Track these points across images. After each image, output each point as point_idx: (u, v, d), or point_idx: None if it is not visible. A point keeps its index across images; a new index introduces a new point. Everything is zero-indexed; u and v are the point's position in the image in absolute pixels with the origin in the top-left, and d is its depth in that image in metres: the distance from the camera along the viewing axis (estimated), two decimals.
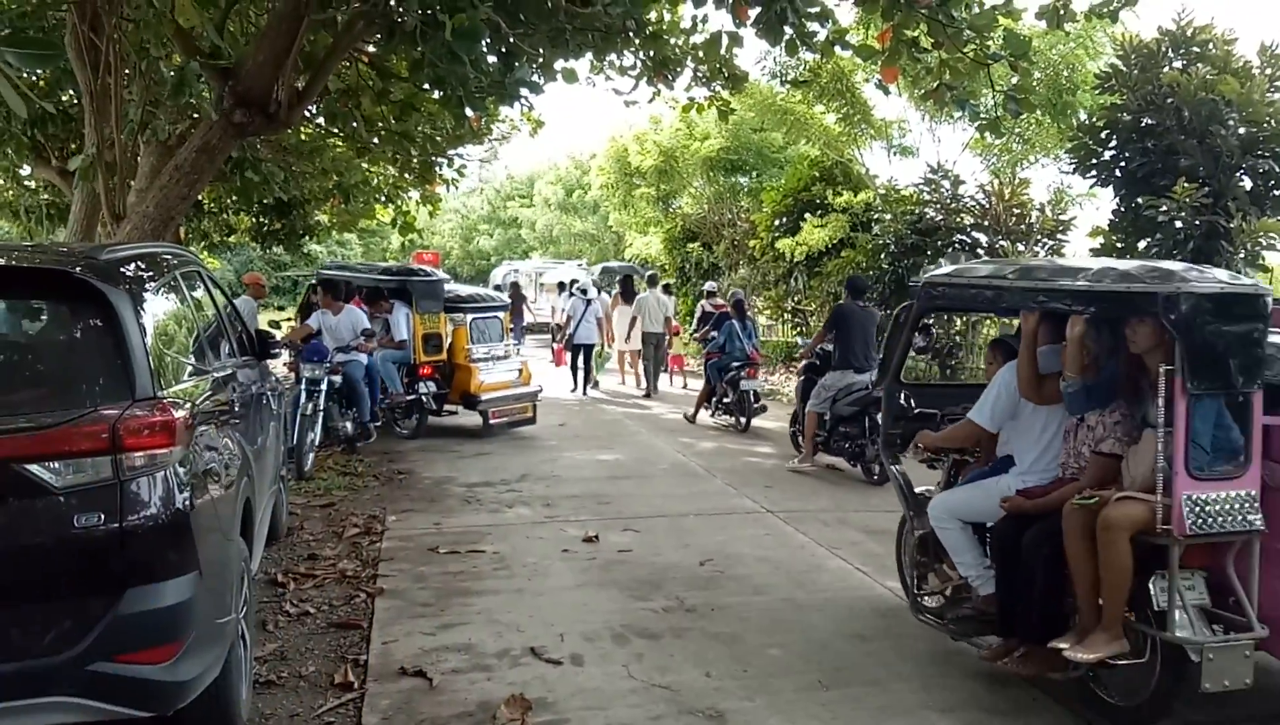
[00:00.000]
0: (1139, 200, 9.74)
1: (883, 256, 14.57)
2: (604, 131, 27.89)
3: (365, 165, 13.79)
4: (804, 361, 10.17)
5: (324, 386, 8.84)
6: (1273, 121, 9.64)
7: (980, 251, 14.14)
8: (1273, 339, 3.88)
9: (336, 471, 8.74)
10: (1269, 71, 9.94)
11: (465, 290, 12.27)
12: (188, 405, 3.39)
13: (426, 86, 9.06)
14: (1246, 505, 3.70)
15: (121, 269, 3.51)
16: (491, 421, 10.74)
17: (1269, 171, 9.70)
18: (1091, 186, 11.53)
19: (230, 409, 4.20)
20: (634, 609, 5.33)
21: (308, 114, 12.12)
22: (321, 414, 8.80)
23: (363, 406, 9.45)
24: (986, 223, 14.00)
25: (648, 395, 15.38)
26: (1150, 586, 3.73)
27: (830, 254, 16.40)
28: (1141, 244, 10.22)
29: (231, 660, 3.56)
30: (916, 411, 5.42)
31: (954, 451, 5.06)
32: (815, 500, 8.00)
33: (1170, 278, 3.70)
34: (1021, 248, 13.79)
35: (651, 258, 25.26)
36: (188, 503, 3.17)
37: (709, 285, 16.59)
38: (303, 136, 12.94)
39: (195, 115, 9.15)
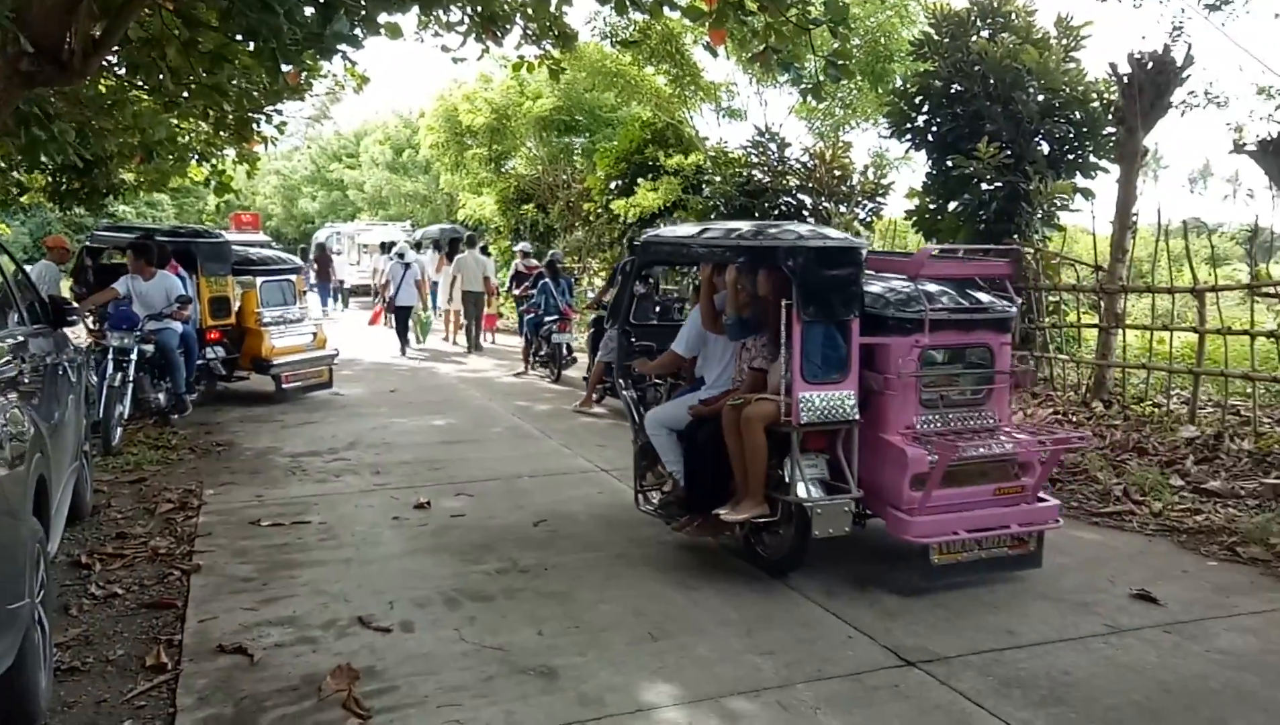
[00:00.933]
0: (949, 162, 10.25)
1: (712, 218, 14.83)
2: (433, 89, 27.15)
3: (175, 121, 12.95)
4: (593, 315, 10.73)
5: (134, 356, 8.32)
6: (1068, 89, 10.30)
7: (805, 212, 14.61)
8: (871, 282, 5.29)
9: (148, 445, 8.26)
10: (1064, 42, 10.61)
11: (256, 252, 11.80)
12: None
13: (239, 38, 8.57)
14: (847, 403, 4.98)
15: None
16: (285, 386, 10.52)
17: (1064, 136, 10.37)
18: (907, 150, 12.09)
19: (17, 380, 3.89)
20: (466, 573, 5.29)
21: (107, 65, 11.29)
22: (131, 385, 8.28)
23: (177, 377, 8.96)
24: (811, 185, 14.45)
25: (469, 352, 16.26)
26: (787, 464, 4.99)
27: (663, 216, 16.58)
28: (952, 205, 10.78)
29: (27, 648, 3.32)
30: (639, 345, 6.77)
31: (667, 375, 6.23)
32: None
33: (790, 236, 5.01)
34: (844, 209, 14.33)
35: (485, 219, 24.92)
36: None
37: (522, 245, 17.36)
38: (102, 89, 12.03)
39: None
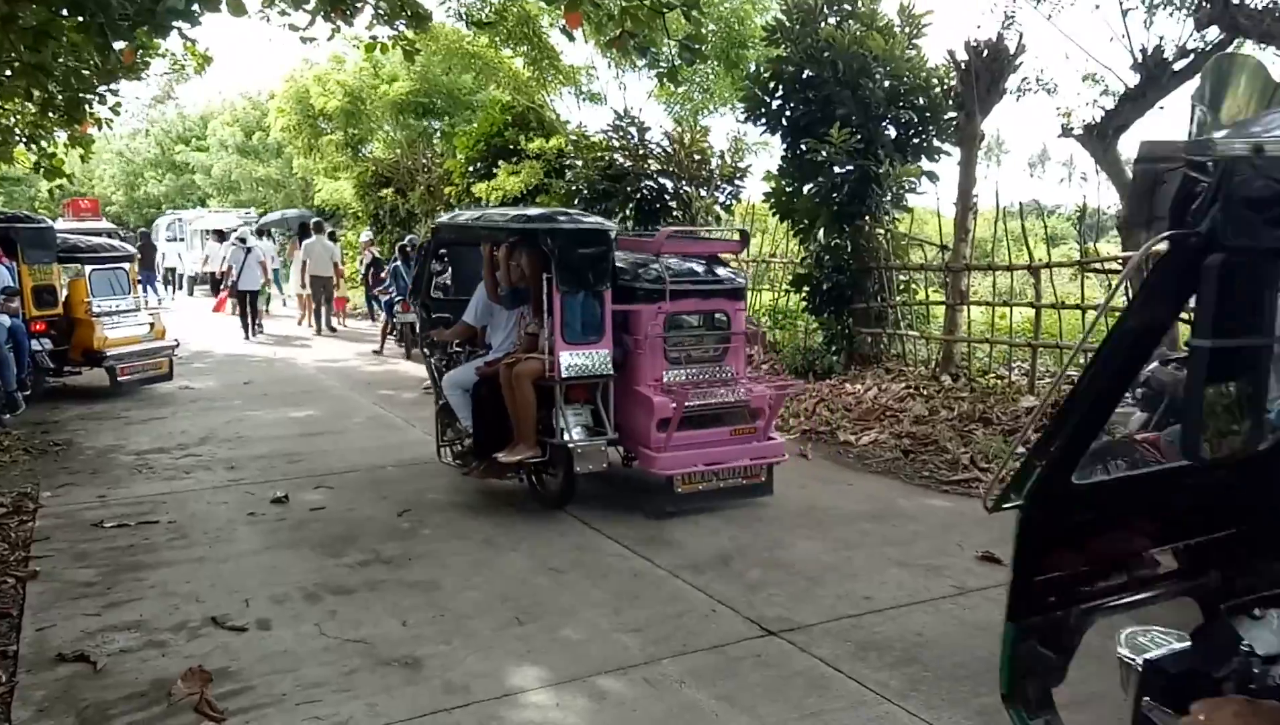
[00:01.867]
0: (803, 146, 10.50)
1: (576, 202, 14.80)
2: (284, 70, 26.04)
3: None
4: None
5: None
6: (911, 75, 10.68)
7: (667, 196, 14.77)
8: (624, 258, 6.29)
9: None
10: (907, 30, 10.99)
11: (85, 240, 11.21)
12: None
13: (64, 13, 8.05)
14: (603, 360, 5.88)
15: None
16: (120, 378, 10.04)
17: (909, 121, 10.75)
18: (762, 134, 12.26)
19: None
20: (327, 567, 5.16)
21: None
22: None
23: (6, 373, 8.39)
24: (671, 168, 14.59)
25: (318, 333, 16.94)
26: (556, 413, 5.82)
27: (526, 199, 16.45)
28: (807, 187, 11.05)
29: None
30: (437, 317, 7.42)
31: (463, 343, 6.86)
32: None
33: (550, 220, 6.01)
34: (704, 192, 14.53)
35: (344, 204, 24.20)
36: None
37: (365, 234, 18.68)
38: None
39: None
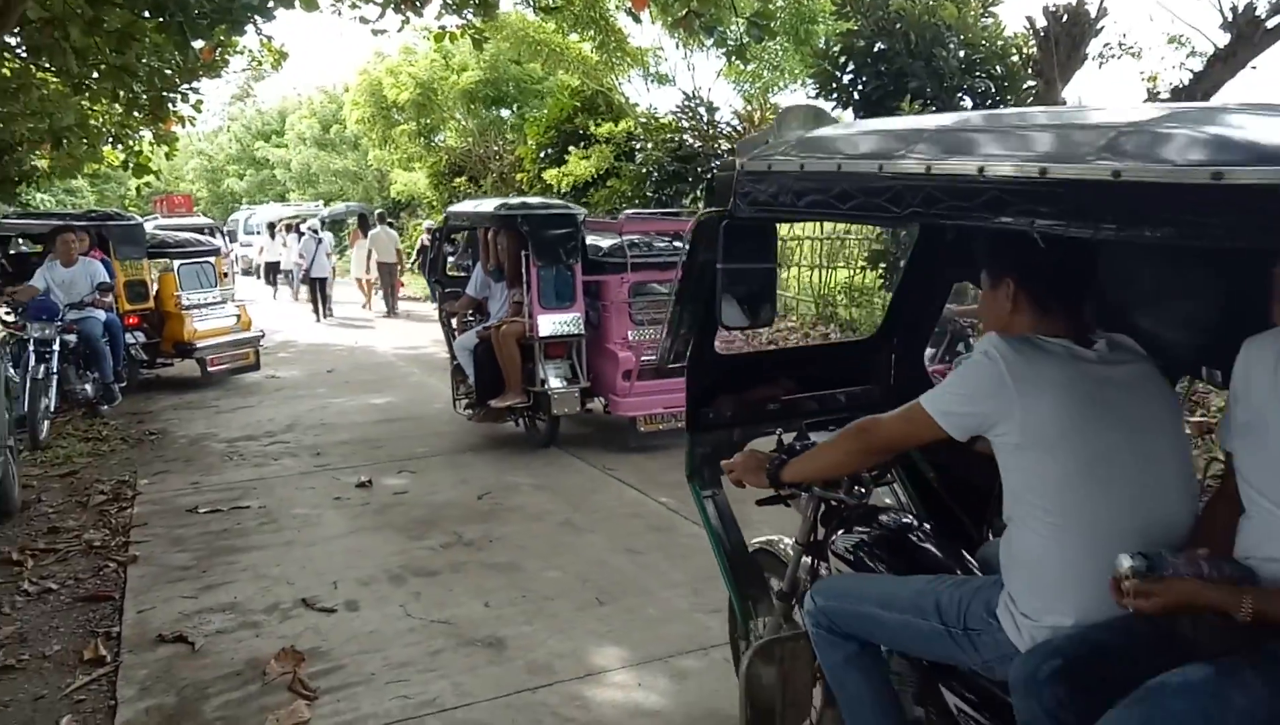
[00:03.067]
0: None
1: (646, 184, 14.82)
2: (357, 63, 26.55)
3: (85, 104, 12.51)
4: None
5: (56, 347, 8.07)
6: (987, 44, 10.43)
7: None
8: (593, 238, 7.55)
9: (78, 437, 8.05)
10: None
11: (172, 235, 11.54)
12: None
13: (146, 14, 8.29)
14: (575, 322, 7.13)
15: None
16: (210, 369, 10.30)
17: (986, 91, 10.51)
18: (834, 109, 12.12)
19: None
20: (411, 549, 5.27)
21: (8, 47, 10.86)
22: (56, 377, 8.03)
23: (104, 366, 8.70)
24: None
25: (390, 314, 18.08)
26: (536, 366, 7.08)
27: (597, 184, 16.51)
28: None
29: None
30: (450, 292, 8.64)
31: (474, 312, 8.02)
32: (612, 435, 7.88)
33: (525, 206, 7.27)
34: None
35: (418, 194, 24.58)
36: None
37: (428, 223, 19.13)
38: (6, 72, 11.57)
39: None
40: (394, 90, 21.94)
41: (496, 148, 21.84)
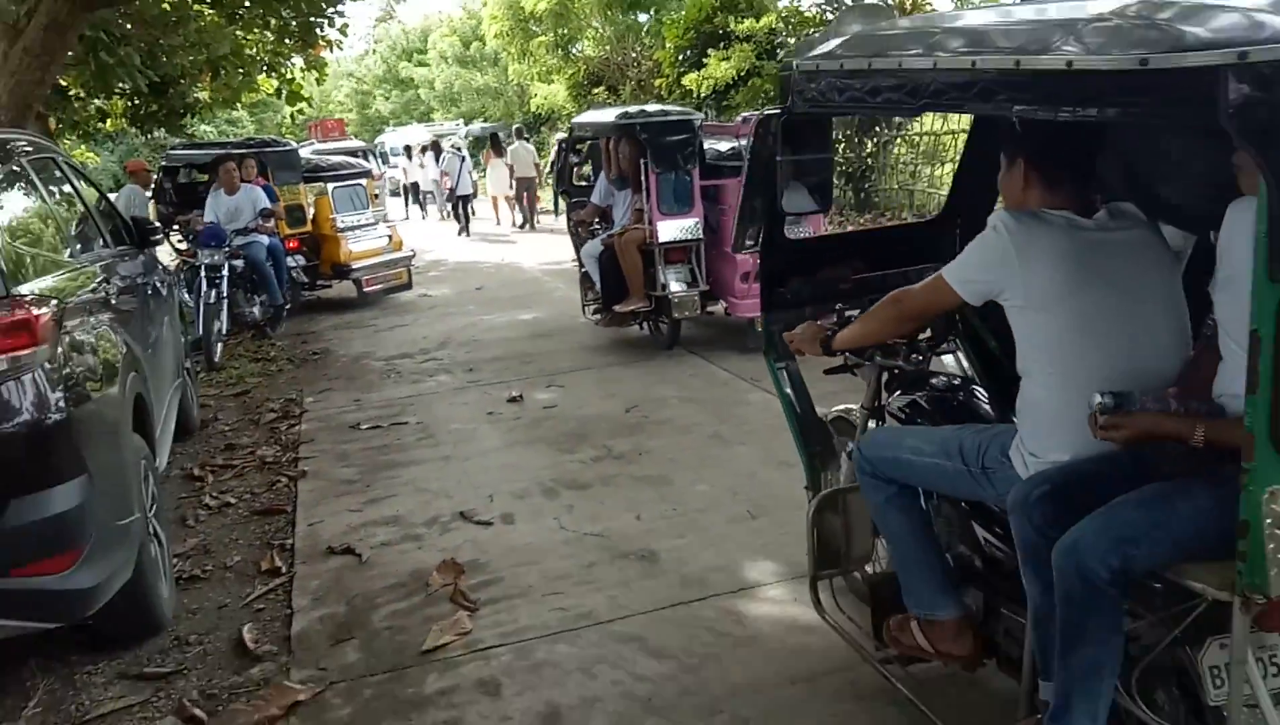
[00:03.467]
0: None
1: None
2: None
3: (240, 34, 12.90)
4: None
5: (225, 272, 8.45)
6: None
7: None
8: (711, 142, 7.80)
9: (248, 358, 8.48)
10: None
11: (325, 159, 11.83)
12: (51, 302, 3.16)
13: None
14: (694, 227, 7.26)
15: None
16: (366, 290, 10.59)
17: None
18: None
19: (107, 302, 3.94)
20: (562, 462, 5.31)
21: None
22: (226, 301, 8.44)
23: (270, 289, 9.10)
24: None
25: (522, 227, 18.67)
26: (657, 271, 7.25)
27: (738, 86, 16.02)
28: None
29: (144, 560, 3.45)
30: (576, 201, 8.96)
31: (601, 220, 8.07)
32: (734, 336, 7.92)
33: (643, 114, 7.38)
34: None
35: (558, 107, 24.51)
36: (63, 403, 2.97)
37: (560, 134, 19.18)
38: (166, 7, 12.00)
39: None
40: (531, 1, 21.77)
41: (634, 54, 21.48)
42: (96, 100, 14.10)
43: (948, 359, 3.27)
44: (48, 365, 2.96)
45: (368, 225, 11.02)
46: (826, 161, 3.12)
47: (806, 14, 15.15)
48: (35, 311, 2.94)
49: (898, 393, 3.08)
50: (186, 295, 8.19)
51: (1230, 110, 1.50)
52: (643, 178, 7.27)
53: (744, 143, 7.26)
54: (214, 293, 8.26)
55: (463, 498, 4.90)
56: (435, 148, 21.77)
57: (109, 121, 15.01)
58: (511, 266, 13.80)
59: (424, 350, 8.52)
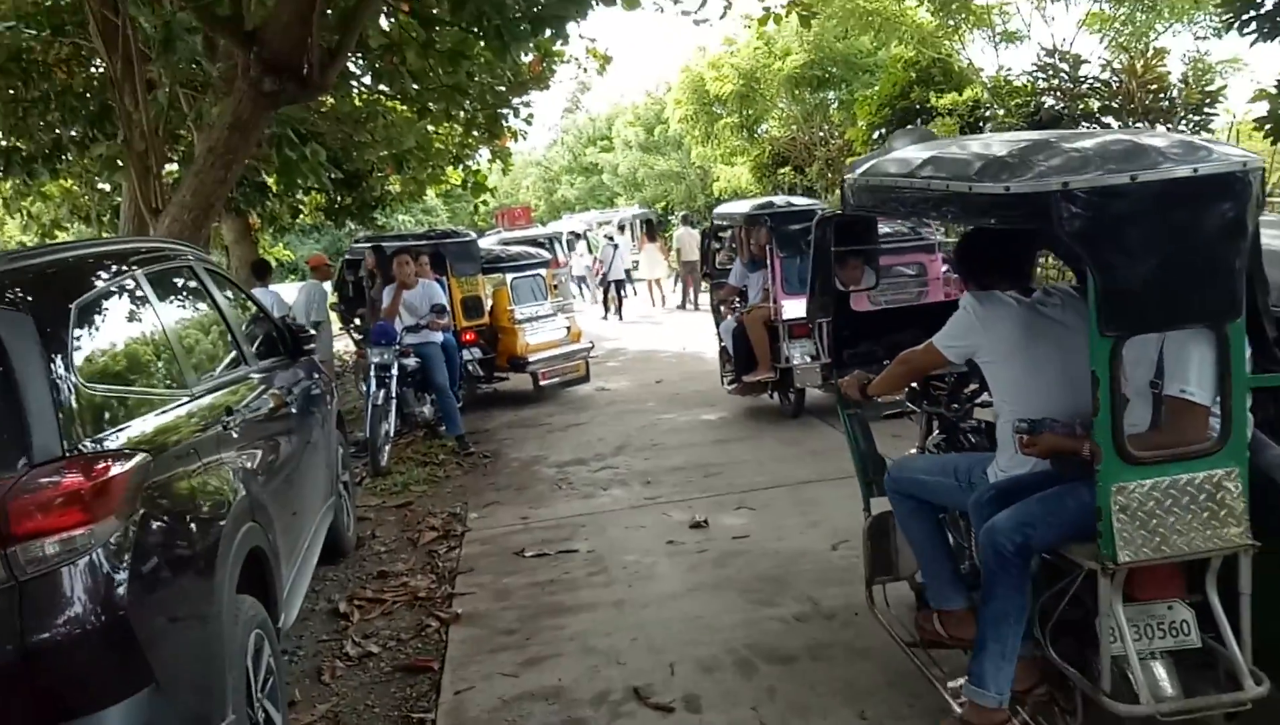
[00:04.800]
0: None
1: None
2: (679, 61, 26.53)
3: (430, 127, 12.94)
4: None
5: (395, 371, 8.02)
6: None
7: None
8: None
9: (416, 461, 7.97)
10: None
11: (505, 250, 11.46)
12: (133, 459, 2.51)
13: (474, 31, 8.13)
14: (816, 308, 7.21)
15: (18, 282, 2.62)
16: (542, 382, 10.02)
17: None
18: (1254, 43, 9.66)
19: (226, 439, 3.33)
20: (758, 619, 4.35)
21: (353, 77, 11.32)
22: (395, 402, 8.00)
23: (444, 400, 8.55)
24: (1118, 104, 12.36)
25: (682, 306, 19.72)
26: (781, 345, 7.84)
27: None
28: None
29: None
30: (717, 282, 9.76)
31: (738, 299, 8.73)
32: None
33: (770, 206, 8.30)
34: (1162, 128, 12.13)
35: (741, 188, 23.93)
36: (127, 595, 2.30)
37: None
38: (358, 103, 12.14)
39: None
40: (716, 83, 21.40)
41: (822, 133, 20.69)
42: (290, 196, 14.49)
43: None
44: (113, 544, 2.30)
45: (546, 316, 10.54)
46: (872, 251, 4.08)
47: (1016, 83, 13.93)
48: (98, 475, 2.30)
49: (938, 433, 3.83)
50: (363, 390, 7.85)
51: (1061, 221, 2.29)
52: (769, 261, 7.93)
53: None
54: (383, 393, 7.83)
55: (637, 664, 4.01)
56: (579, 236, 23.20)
57: (304, 215, 15.42)
58: (693, 357, 13.00)
59: (599, 455, 7.78)
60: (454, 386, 8.72)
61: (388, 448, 7.78)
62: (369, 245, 10.09)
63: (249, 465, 3.48)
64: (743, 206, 8.90)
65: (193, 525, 2.79)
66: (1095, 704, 2.58)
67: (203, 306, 3.93)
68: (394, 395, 7.97)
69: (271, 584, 3.46)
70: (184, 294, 3.77)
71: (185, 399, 3.14)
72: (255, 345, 4.54)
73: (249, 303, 4.91)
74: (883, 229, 7.54)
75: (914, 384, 3.75)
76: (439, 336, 8.58)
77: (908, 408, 3.86)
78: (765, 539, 5.42)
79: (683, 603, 4.64)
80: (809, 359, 7.76)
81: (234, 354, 4.04)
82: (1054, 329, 2.85)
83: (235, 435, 3.43)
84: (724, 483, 6.61)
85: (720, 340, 8.87)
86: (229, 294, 4.40)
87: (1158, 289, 2.32)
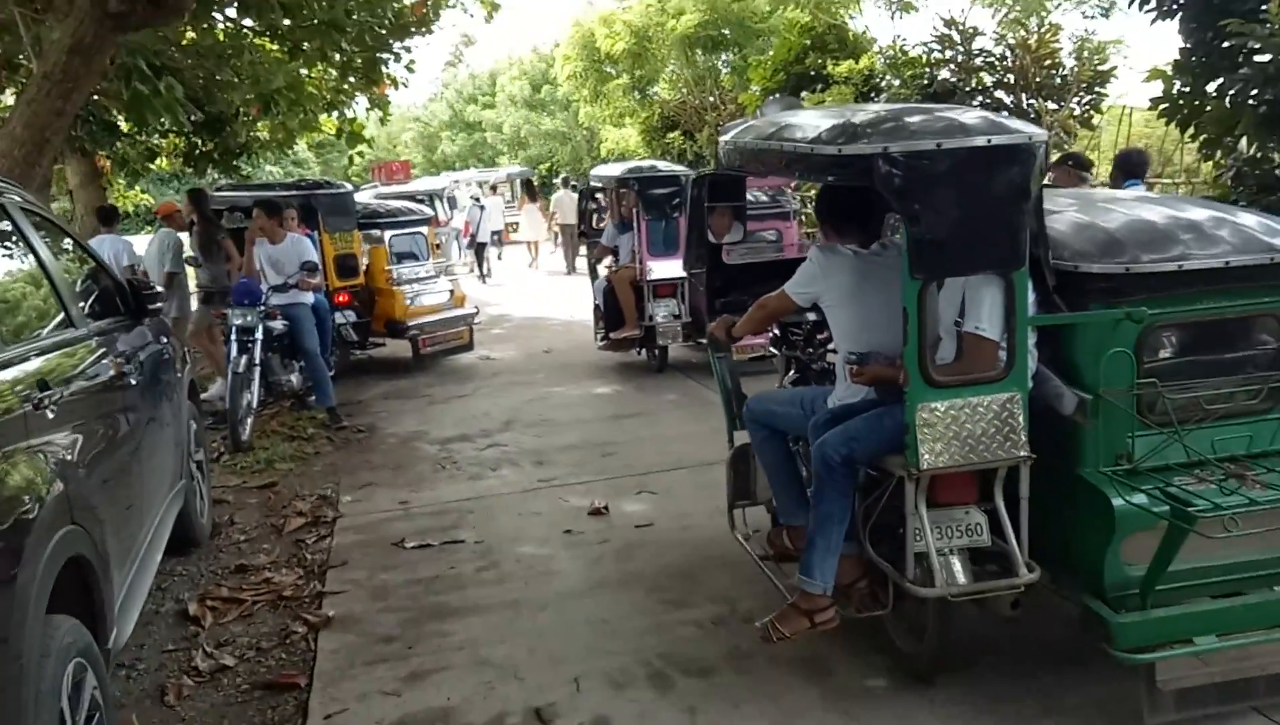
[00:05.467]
0: (1212, 32, 8.09)
1: None
2: (569, 17, 25.69)
3: (302, 70, 11.94)
4: None
5: (259, 335, 7.25)
6: None
7: (1006, 113, 12.53)
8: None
9: (283, 435, 7.25)
10: None
11: (384, 204, 10.71)
12: None
13: None
14: (676, 268, 8.17)
15: None
16: (423, 350, 9.36)
17: None
18: (1154, 20, 9.61)
19: (35, 421, 2.68)
20: (670, 623, 3.93)
21: (218, 6, 10.29)
22: (259, 369, 7.24)
23: (312, 365, 7.78)
24: (1011, 79, 12.33)
25: (569, 272, 18.93)
26: (647, 304, 8.43)
27: None
28: (1213, 85, 8.60)
29: None
30: (592, 241, 10.23)
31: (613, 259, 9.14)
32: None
33: (638, 171, 8.75)
34: (1052, 105, 12.16)
35: (629, 151, 23.42)
36: None
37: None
38: (220, 37, 11.07)
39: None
40: (608, 40, 20.75)
41: (713, 98, 20.32)
42: (145, 137, 13.25)
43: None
44: None
45: (428, 278, 9.84)
46: (740, 208, 4.40)
47: (912, 54, 13.79)
48: None
49: (794, 374, 4.29)
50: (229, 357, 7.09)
51: (880, 179, 2.72)
52: (635, 223, 8.37)
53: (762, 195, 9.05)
54: (244, 360, 7.07)
55: (538, 679, 3.54)
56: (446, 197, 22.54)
57: (160, 161, 14.15)
58: (582, 326, 12.47)
59: (485, 431, 7.23)
60: (325, 353, 7.95)
61: (250, 420, 7.03)
62: (241, 193, 9.19)
63: (69, 453, 2.82)
64: (615, 170, 9.27)
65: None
66: (904, 592, 3.09)
67: (15, 255, 3.21)
68: (257, 362, 7.22)
69: (98, 597, 2.84)
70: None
71: None
72: (88, 303, 3.84)
73: (82, 253, 4.17)
74: (749, 197, 7.99)
75: (775, 331, 4.38)
76: (309, 297, 7.80)
77: (769, 352, 4.64)
78: (670, 527, 5.00)
79: (585, 604, 4.18)
80: (671, 318, 8.39)
81: (58, 315, 3.34)
82: (885, 276, 3.14)
83: (51, 416, 2.77)
84: (622, 464, 6.17)
85: (595, 298, 9.20)
86: (53, 241, 3.67)
87: (956, 240, 2.75)
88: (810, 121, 3.12)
